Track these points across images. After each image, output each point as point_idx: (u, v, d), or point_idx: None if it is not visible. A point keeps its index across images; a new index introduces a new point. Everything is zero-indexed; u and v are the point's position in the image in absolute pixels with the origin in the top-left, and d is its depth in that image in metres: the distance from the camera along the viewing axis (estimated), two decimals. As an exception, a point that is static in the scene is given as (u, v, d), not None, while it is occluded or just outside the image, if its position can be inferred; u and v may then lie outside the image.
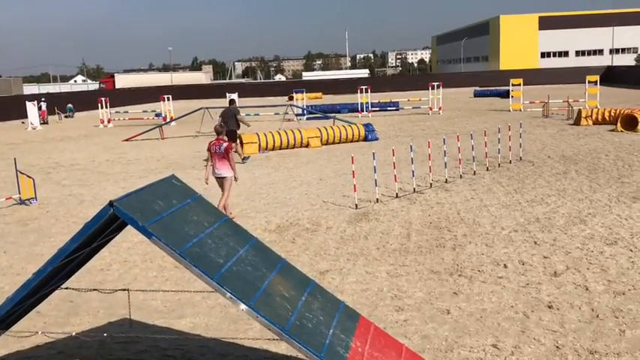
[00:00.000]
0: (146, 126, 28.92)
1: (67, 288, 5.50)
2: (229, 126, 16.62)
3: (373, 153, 12.48)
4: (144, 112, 37.44)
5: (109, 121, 33.80)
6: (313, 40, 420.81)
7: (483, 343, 5.65)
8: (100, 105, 33.92)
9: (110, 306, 6.98)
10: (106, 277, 8.02)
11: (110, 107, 34.65)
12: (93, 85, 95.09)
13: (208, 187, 13.79)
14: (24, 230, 10.83)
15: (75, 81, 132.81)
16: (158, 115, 34.34)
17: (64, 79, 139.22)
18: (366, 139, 21.25)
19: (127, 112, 37.76)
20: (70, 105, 43.46)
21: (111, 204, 4.15)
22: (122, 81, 77.53)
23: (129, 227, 4.64)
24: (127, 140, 25.04)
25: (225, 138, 10.99)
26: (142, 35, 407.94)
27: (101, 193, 13.80)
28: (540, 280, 7.21)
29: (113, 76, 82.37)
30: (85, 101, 45.94)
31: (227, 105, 19.58)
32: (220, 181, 10.67)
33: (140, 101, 51.54)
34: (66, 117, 42.06)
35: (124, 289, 5.96)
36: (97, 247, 5.11)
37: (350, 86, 51.13)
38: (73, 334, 5.65)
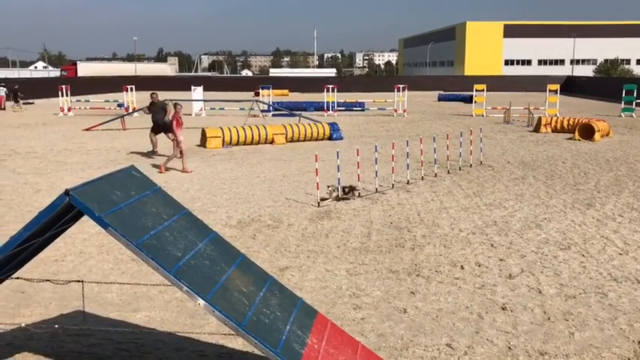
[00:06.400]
0: (107, 116, 28.35)
1: (18, 278, 5.35)
2: (159, 120, 17.13)
3: (337, 152, 12.53)
4: (106, 101, 36.69)
5: (69, 110, 32.98)
6: (282, 37, 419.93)
7: (438, 343, 5.74)
8: (60, 93, 33.07)
9: (63, 298, 6.82)
10: (60, 268, 7.83)
11: (71, 95, 33.80)
12: (54, 72, 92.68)
13: (169, 180, 13.64)
14: (-25, 218, 10.49)
15: (35, 67, 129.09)
16: (120, 105, 33.68)
17: (24, 64, 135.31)
18: (330, 138, 21.30)
19: (88, 101, 36.91)
20: (2, 87, 38.69)
21: (67, 192, 4.05)
22: (84, 69, 75.68)
23: (85, 218, 4.55)
24: (87, 130, 24.50)
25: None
26: (107, 23, 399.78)
27: (58, 183, 13.47)
28: (495, 282, 7.36)
29: (75, 64, 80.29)
30: (45, 88, 44.74)
31: (160, 100, 18.48)
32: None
33: (102, 90, 50.49)
34: (25, 103, 40.68)
35: (78, 281, 5.83)
36: (51, 236, 4.99)
37: (317, 85, 51.12)
38: (23, 325, 5.50)
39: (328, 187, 11.77)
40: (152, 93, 18.24)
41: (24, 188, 13.02)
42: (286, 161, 16.75)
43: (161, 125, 17.07)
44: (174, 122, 14.75)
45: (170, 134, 17.11)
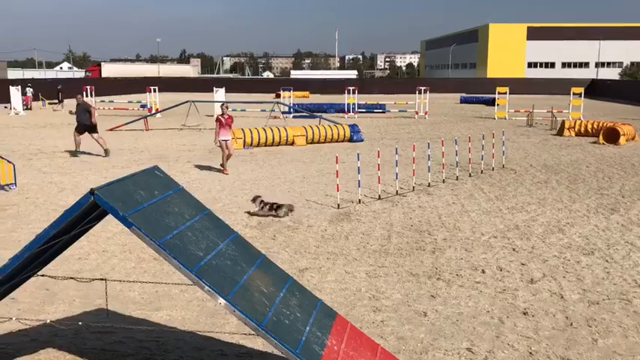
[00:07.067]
0: (131, 116, 28.70)
1: (43, 275, 5.44)
2: (84, 121, 17.50)
3: (358, 154, 12.52)
4: (129, 102, 37.13)
5: (93, 110, 33.43)
6: (303, 39, 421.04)
7: (458, 347, 5.71)
8: (85, 93, 33.56)
9: (86, 295, 6.93)
10: (84, 266, 7.95)
11: (95, 96, 34.31)
12: (79, 73, 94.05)
13: (191, 181, 13.75)
14: (2, 216, 10.69)
15: (61, 67, 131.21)
16: (143, 106, 34.08)
17: (50, 65, 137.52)
18: (351, 139, 21.29)
19: (112, 101, 37.42)
20: (29, 87, 39.29)
21: (92, 192, 4.11)
22: (108, 70, 76.76)
23: (109, 217, 4.61)
24: (111, 130, 24.82)
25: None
26: (131, 25, 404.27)
27: (82, 182, 13.67)
28: (517, 286, 7.29)
29: (100, 65, 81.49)
30: (70, 89, 45.38)
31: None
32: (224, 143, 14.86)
33: (126, 91, 51.13)
34: (51, 103, 41.31)
35: (102, 279, 5.91)
36: (75, 235, 5.07)
37: (338, 86, 51.24)
38: (48, 321, 5.59)
39: (255, 200, 10.75)
40: (77, 95, 18.72)
41: (49, 187, 13.23)
42: (306, 163, 16.79)
43: (87, 126, 17.52)
44: (218, 123, 14.82)
45: (94, 134, 17.63)
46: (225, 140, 14.80)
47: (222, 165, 15.08)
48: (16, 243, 8.80)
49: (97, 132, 17.78)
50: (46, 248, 4.73)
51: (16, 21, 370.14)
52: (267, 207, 10.54)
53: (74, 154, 17.78)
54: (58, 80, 52.61)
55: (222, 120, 14.76)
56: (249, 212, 10.84)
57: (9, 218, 10.51)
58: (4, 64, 77.48)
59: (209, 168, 15.78)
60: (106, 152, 17.69)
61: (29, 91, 38.71)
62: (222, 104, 15.93)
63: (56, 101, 38.58)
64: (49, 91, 42.66)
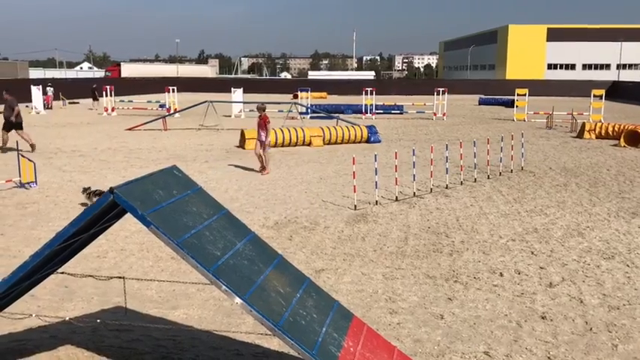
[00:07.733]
0: (150, 116, 28.93)
1: (62, 273, 5.50)
2: (9, 118, 17.98)
3: (375, 155, 12.48)
4: (148, 102, 37.45)
5: (112, 110, 33.80)
6: (321, 40, 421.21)
7: (475, 350, 5.66)
8: (104, 93, 33.93)
9: (105, 293, 6.99)
10: (102, 265, 8.02)
11: (115, 96, 34.64)
12: (99, 73, 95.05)
13: (208, 180, 13.81)
14: (23, 213, 10.83)
15: (81, 67, 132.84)
16: (162, 106, 34.35)
17: (71, 65, 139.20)
18: (368, 140, 21.25)
19: (131, 101, 37.74)
20: (50, 86, 39.73)
21: (111, 191, 4.15)
22: (128, 70, 77.47)
23: (127, 216, 4.64)
24: (129, 129, 25.05)
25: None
26: (150, 26, 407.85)
27: (101, 181, 13.80)
28: (535, 290, 7.21)
29: (119, 65, 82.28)
30: (90, 88, 45.93)
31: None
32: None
33: (145, 91, 51.57)
34: (70, 102, 41.74)
35: (120, 277, 5.96)
36: (94, 233, 5.11)
37: (355, 87, 51.23)
38: (67, 318, 5.65)
39: (85, 191, 11.19)
40: (4, 92, 18.93)
41: (69, 185, 13.38)
42: (323, 164, 16.78)
43: (11, 123, 17.95)
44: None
45: (20, 131, 17.96)
46: (259, 141, 15.12)
47: (265, 163, 15.26)
48: (37, 240, 8.91)
49: (22, 128, 18.23)
50: (66, 246, 4.78)
51: (38, 22, 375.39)
52: (97, 198, 10.57)
53: (2, 150, 18.20)
54: (79, 80, 53.27)
55: (258, 120, 15.26)
56: (82, 204, 11.18)
57: (29, 216, 10.64)
58: (26, 63, 78.57)
59: (226, 168, 15.85)
60: (32, 147, 18.12)
61: (50, 90, 39.20)
62: (257, 105, 16.04)
63: (78, 101, 39.00)
64: (70, 90, 43.15)
